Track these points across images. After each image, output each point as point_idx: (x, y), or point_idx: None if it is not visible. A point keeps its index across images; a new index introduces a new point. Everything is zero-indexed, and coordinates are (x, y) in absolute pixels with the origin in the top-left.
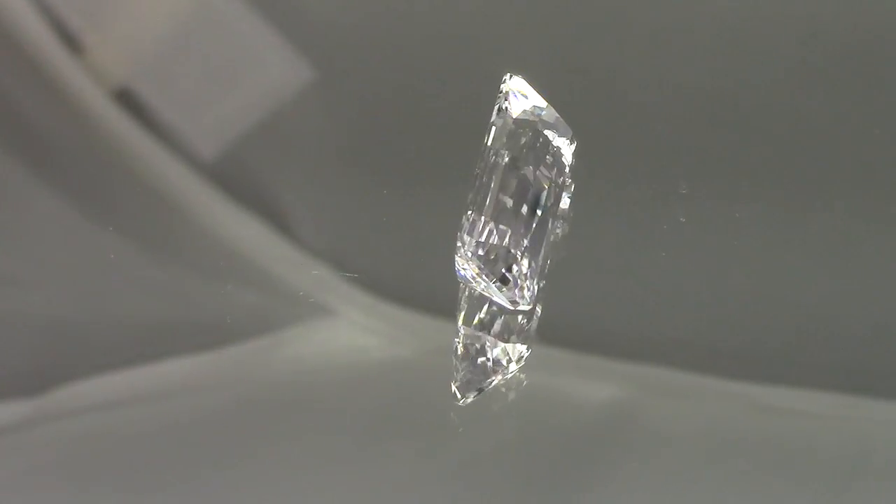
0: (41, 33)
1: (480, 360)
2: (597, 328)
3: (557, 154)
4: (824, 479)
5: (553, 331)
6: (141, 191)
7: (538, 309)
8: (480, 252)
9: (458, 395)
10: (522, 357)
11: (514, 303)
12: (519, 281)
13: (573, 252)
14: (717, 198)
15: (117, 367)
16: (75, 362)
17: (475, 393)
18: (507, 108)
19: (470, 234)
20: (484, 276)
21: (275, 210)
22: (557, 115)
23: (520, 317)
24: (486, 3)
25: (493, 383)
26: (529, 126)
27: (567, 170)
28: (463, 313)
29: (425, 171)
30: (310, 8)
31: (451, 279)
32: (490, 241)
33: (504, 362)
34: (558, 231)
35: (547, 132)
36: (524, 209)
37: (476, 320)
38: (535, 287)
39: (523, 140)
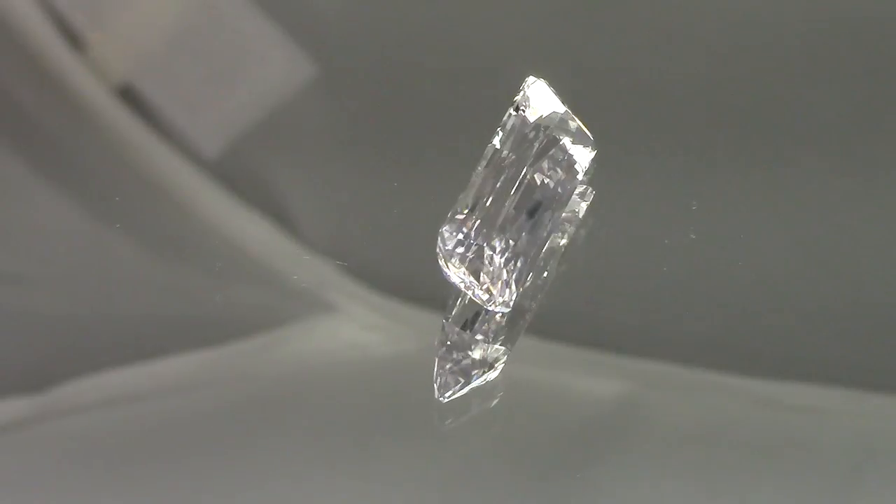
0: (44, 30)
1: (461, 357)
2: (600, 323)
3: (570, 162)
4: (829, 473)
5: (556, 326)
6: (143, 187)
7: (529, 312)
8: (460, 250)
9: (438, 392)
10: (499, 360)
11: (490, 303)
12: (498, 283)
13: (585, 257)
14: (721, 197)
15: (120, 364)
16: (78, 359)
17: (455, 390)
18: (524, 111)
19: (452, 231)
20: (462, 275)
21: (277, 206)
22: (578, 122)
23: (499, 318)
24: (484, 1)
25: (472, 383)
26: (545, 131)
27: (580, 176)
28: (452, 311)
29: (427, 168)
30: (312, 5)
31: None
32: (472, 241)
33: (485, 363)
34: (562, 238)
35: (564, 139)
36: (522, 214)
37: (462, 318)
38: (515, 291)
39: (536, 145)
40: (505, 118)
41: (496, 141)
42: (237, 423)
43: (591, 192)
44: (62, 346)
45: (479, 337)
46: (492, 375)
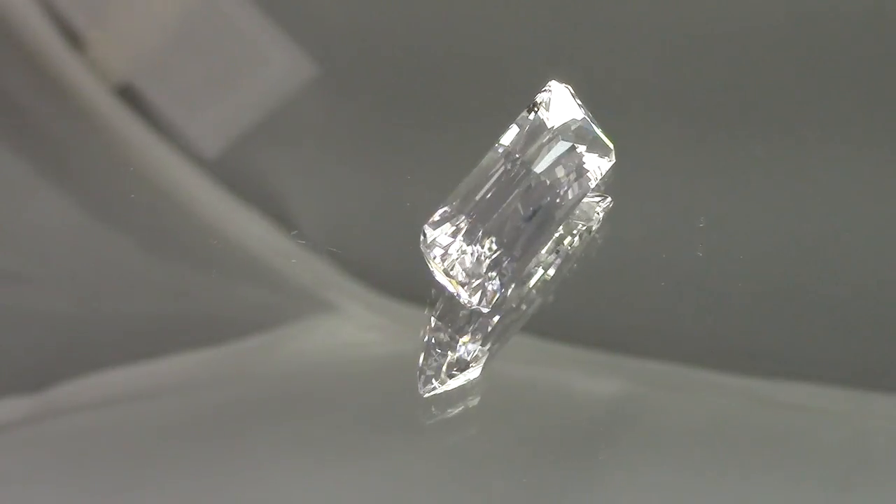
0: (43, 29)
1: (441, 355)
2: (599, 323)
3: (582, 169)
4: (827, 473)
5: (555, 326)
6: (143, 187)
7: (518, 313)
8: (439, 248)
9: (420, 388)
10: (478, 359)
11: (468, 302)
12: (475, 282)
13: (594, 262)
14: (720, 198)
15: (119, 364)
16: (77, 358)
17: (435, 387)
18: (540, 113)
19: (433, 227)
20: (444, 271)
21: (277, 206)
22: (598, 132)
23: (483, 317)
24: (482, 1)
25: (451, 381)
26: (560, 136)
27: (591, 184)
28: (439, 307)
29: (428, 168)
30: (312, 5)
31: None
32: (452, 239)
33: (463, 362)
34: (572, 243)
35: (580, 147)
36: (521, 216)
37: (445, 316)
38: (497, 292)
39: (548, 149)
40: (519, 119)
41: (505, 139)
42: (236, 422)
43: (609, 201)
44: (61, 346)
45: (459, 335)
46: (472, 374)
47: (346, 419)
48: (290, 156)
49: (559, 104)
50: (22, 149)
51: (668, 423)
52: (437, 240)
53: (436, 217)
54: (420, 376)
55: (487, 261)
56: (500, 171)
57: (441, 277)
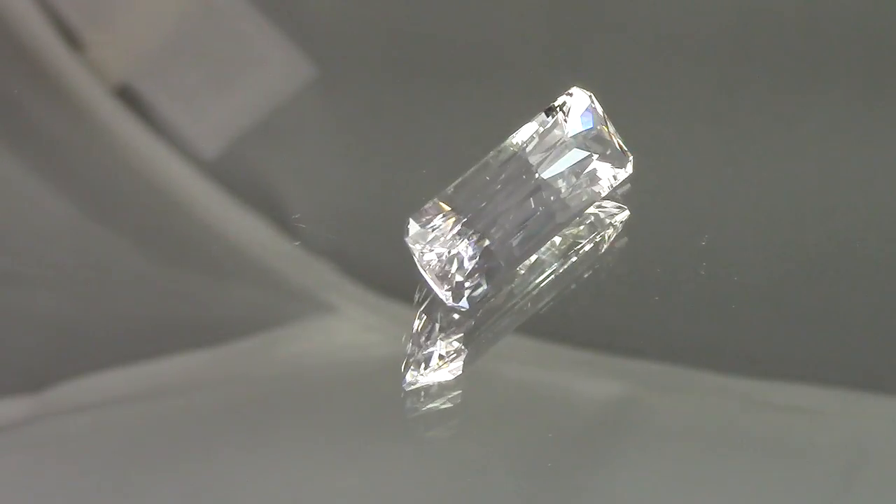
0: (42, 30)
1: (420, 350)
2: (597, 325)
3: (594, 178)
4: (824, 475)
5: (553, 327)
6: (142, 188)
7: (505, 313)
8: (419, 242)
9: (404, 379)
10: (455, 357)
11: (446, 298)
12: (452, 280)
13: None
14: (720, 200)
15: (118, 364)
16: (76, 359)
17: (414, 380)
18: (559, 118)
19: (420, 219)
20: (423, 265)
21: (275, 207)
22: (615, 141)
23: (462, 315)
24: (481, 1)
25: (429, 376)
26: (573, 144)
27: (602, 193)
28: (426, 302)
29: (427, 169)
30: (311, 5)
31: None
32: (442, 234)
33: (442, 358)
34: (571, 253)
35: (594, 155)
36: (518, 218)
37: (428, 311)
38: (478, 291)
39: (559, 154)
40: (535, 120)
41: (516, 138)
42: (235, 423)
43: (627, 213)
44: (60, 346)
45: (440, 331)
46: (452, 371)
47: (345, 420)
48: (288, 156)
49: (578, 110)
50: (21, 149)
51: (666, 425)
52: (418, 233)
53: (423, 209)
54: (403, 369)
55: (467, 259)
56: (502, 170)
57: (422, 271)
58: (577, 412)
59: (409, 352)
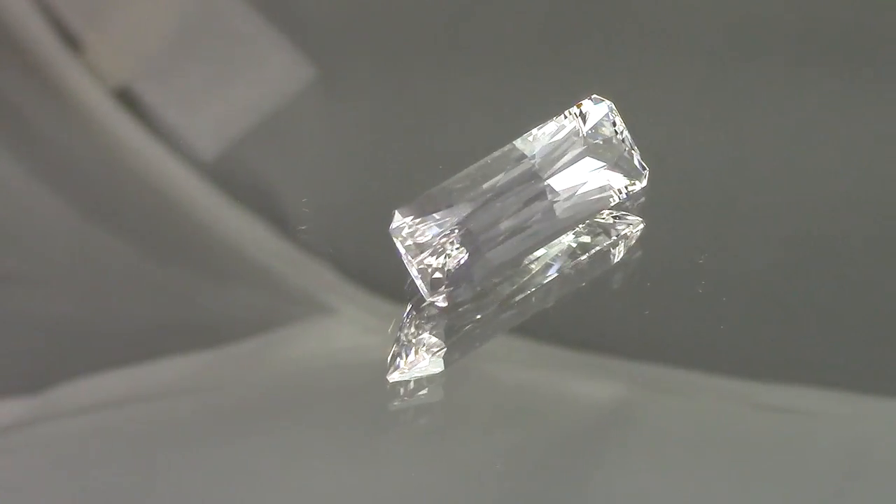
0: (41, 32)
1: (403, 343)
2: (595, 326)
3: (604, 188)
4: (824, 477)
5: (550, 329)
6: (141, 190)
7: (489, 312)
8: (402, 234)
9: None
10: (435, 353)
11: (426, 294)
12: (428, 277)
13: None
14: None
15: (117, 366)
16: (76, 361)
17: (395, 373)
18: (576, 123)
19: (407, 212)
20: (408, 257)
21: (275, 209)
22: (630, 152)
23: (443, 311)
24: (481, 2)
25: (409, 370)
26: (586, 152)
27: (611, 202)
28: (414, 296)
29: (427, 171)
30: (310, 6)
31: None
32: (425, 228)
33: (421, 353)
34: (571, 258)
35: (606, 164)
36: (510, 220)
37: (419, 306)
38: (462, 289)
39: (571, 162)
40: (550, 122)
41: (524, 140)
42: (235, 425)
43: (641, 223)
44: (59, 348)
45: (419, 327)
46: (433, 367)
47: (346, 423)
48: (288, 158)
49: (595, 118)
50: (20, 151)
51: (665, 427)
52: (400, 226)
53: (413, 203)
54: (389, 363)
55: (450, 255)
56: (504, 170)
57: (405, 263)
58: (575, 414)
59: (393, 345)
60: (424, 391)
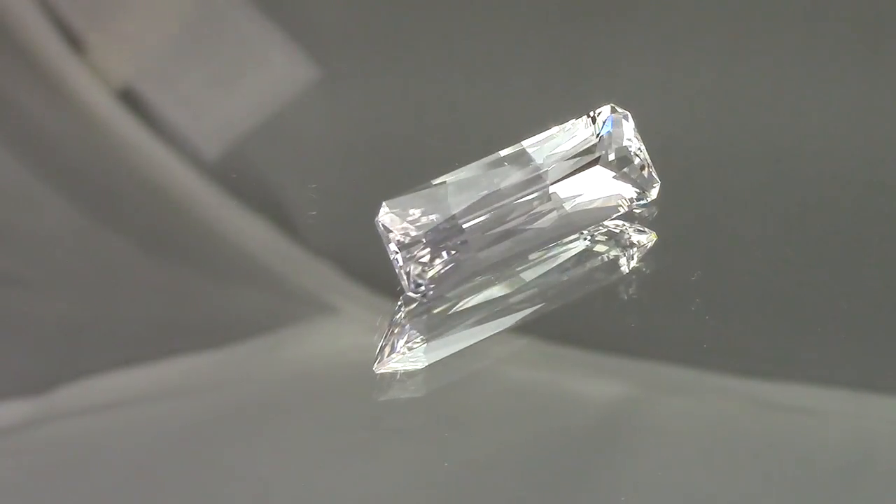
0: (44, 33)
1: (391, 337)
2: (598, 325)
3: (611, 198)
4: (829, 476)
5: (553, 328)
6: (144, 190)
7: (469, 307)
8: (387, 224)
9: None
10: (413, 346)
11: (407, 287)
12: (407, 272)
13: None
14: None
15: (120, 367)
16: (78, 362)
17: (379, 364)
18: (589, 129)
19: (395, 204)
20: (391, 246)
21: (278, 209)
22: (644, 163)
23: (424, 303)
24: (481, 3)
25: (392, 363)
26: (596, 160)
27: (619, 211)
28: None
29: (428, 171)
30: (314, 6)
31: None
32: (410, 222)
33: (406, 345)
34: (569, 263)
35: (615, 174)
36: (512, 220)
37: (409, 301)
38: (445, 285)
39: (578, 167)
40: (562, 125)
41: (530, 142)
42: (239, 425)
43: (652, 235)
44: (62, 349)
45: (405, 321)
46: (415, 361)
47: (349, 423)
48: (290, 158)
49: (612, 127)
50: (22, 151)
51: (667, 426)
52: (384, 219)
53: (402, 196)
54: (376, 355)
55: (431, 250)
56: (505, 170)
57: (390, 251)
58: (577, 413)
59: (384, 340)
60: (424, 391)
